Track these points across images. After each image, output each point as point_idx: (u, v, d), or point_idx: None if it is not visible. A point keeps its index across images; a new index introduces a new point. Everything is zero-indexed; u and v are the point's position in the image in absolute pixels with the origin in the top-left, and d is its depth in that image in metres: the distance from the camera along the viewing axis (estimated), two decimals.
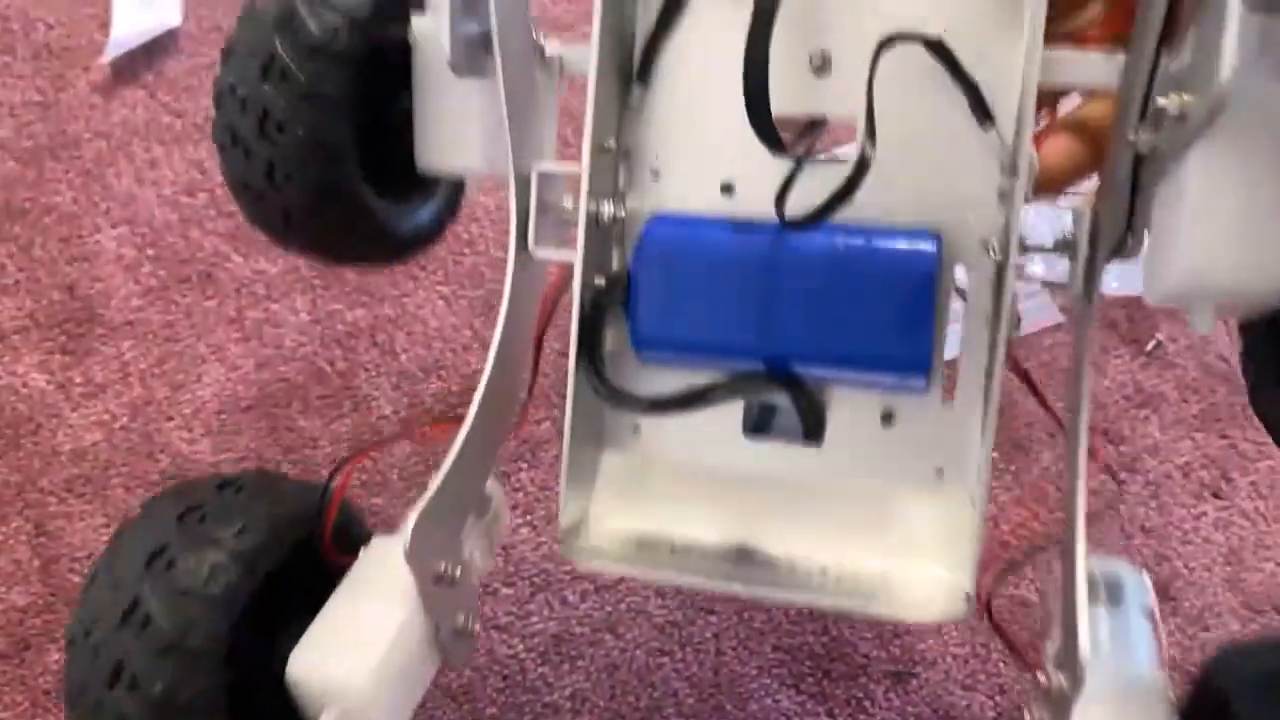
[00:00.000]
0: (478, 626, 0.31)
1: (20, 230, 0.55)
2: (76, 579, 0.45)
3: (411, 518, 0.27)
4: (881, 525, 0.29)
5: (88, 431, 0.49)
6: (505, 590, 0.45)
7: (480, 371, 0.29)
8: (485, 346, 0.51)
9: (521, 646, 0.44)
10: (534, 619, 0.45)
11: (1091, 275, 0.26)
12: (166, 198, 0.56)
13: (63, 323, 0.52)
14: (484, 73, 0.30)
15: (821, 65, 0.28)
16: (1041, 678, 0.24)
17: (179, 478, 0.48)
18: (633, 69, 0.30)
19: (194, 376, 0.50)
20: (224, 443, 0.49)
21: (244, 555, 0.27)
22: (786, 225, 0.27)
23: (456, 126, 0.32)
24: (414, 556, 0.27)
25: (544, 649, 0.44)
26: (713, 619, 0.44)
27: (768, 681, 0.44)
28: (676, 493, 0.30)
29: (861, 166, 0.25)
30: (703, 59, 0.29)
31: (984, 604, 0.28)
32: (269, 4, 0.32)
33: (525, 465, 0.48)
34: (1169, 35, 0.23)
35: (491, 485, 0.32)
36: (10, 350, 0.51)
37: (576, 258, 0.28)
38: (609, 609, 0.45)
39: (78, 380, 0.50)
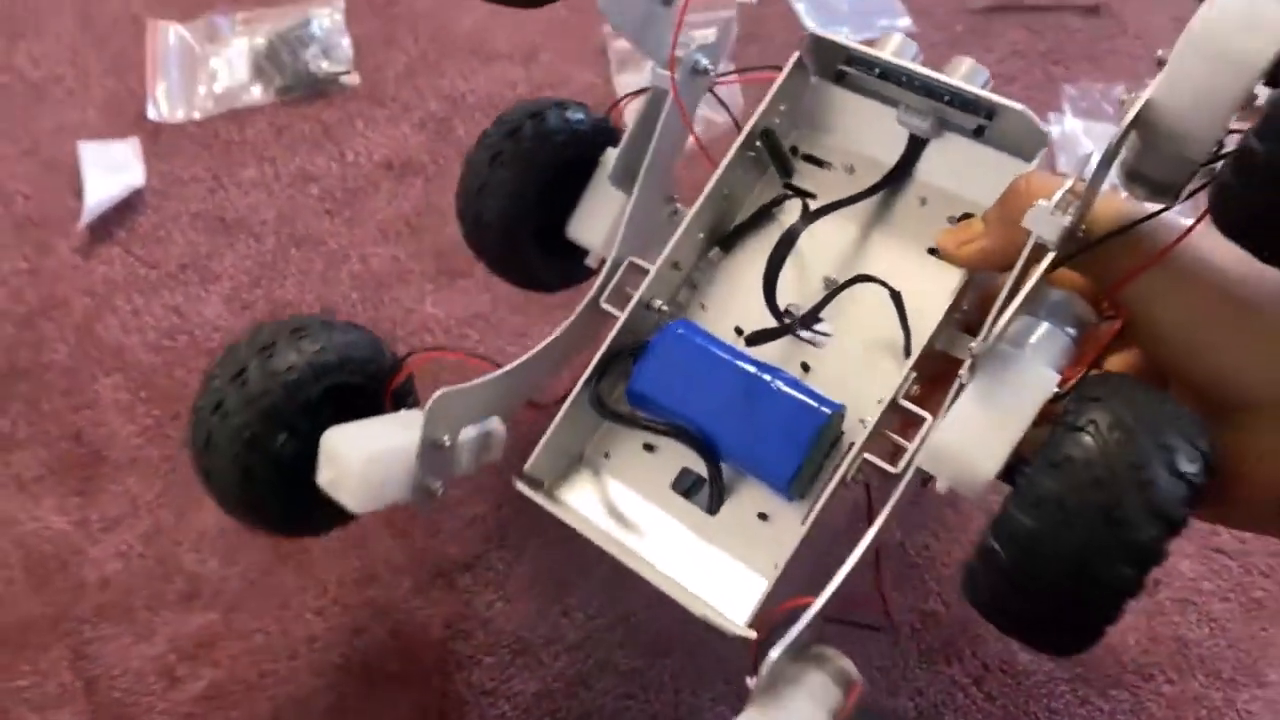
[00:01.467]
0: (441, 493, 0.43)
1: (26, 388, 0.61)
2: (116, 693, 0.52)
3: (437, 395, 0.41)
4: (723, 583, 0.40)
5: (108, 562, 0.56)
6: (488, 659, 0.52)
7: None
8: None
9: (507, 706, 0.51)
10: (515, 681, 0.52)
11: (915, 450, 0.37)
12: (151, 343, 0.63)
13: (73, 467, 0.59)
14: (629, 190, 0.46)
15: (828, 287, 0.42)
16: None
17: (194, 594, 0.54)
18: (720, 237, 0.44)
19: (195, 502, 0.57)
20: (230, 557, 0.56)
21: (315, 365, 0.42)
22: (749, 343, 0.41)
23: (598, 218, 0.49)
24: (430, 415, 0.41)
25: (526, 706, 0.51)
26: (668, 661, 0.52)
27: (722, 709, 0.51)
28: (613, 502, 0.43)
29: (804, 321, 0.40)
30: (761, 259, 0.41)
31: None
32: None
33: (496, 546, 0.56)
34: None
35: (498, 424, 0.45)
36: (31, 498, 0.58)
37: (619, 320, 0.43)
38: (579, 665, 0.52)
39: (94, 518, 0.57)
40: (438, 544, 0.56)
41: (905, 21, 0.78)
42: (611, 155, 0.49)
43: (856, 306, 0.41)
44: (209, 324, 0.64)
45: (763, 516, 0.41)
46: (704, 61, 0.45)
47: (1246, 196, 0.27)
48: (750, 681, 0.34)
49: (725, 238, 0.44)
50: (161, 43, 0.75)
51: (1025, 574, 0.30)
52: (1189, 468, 0.29)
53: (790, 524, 0.40)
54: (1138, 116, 0.30)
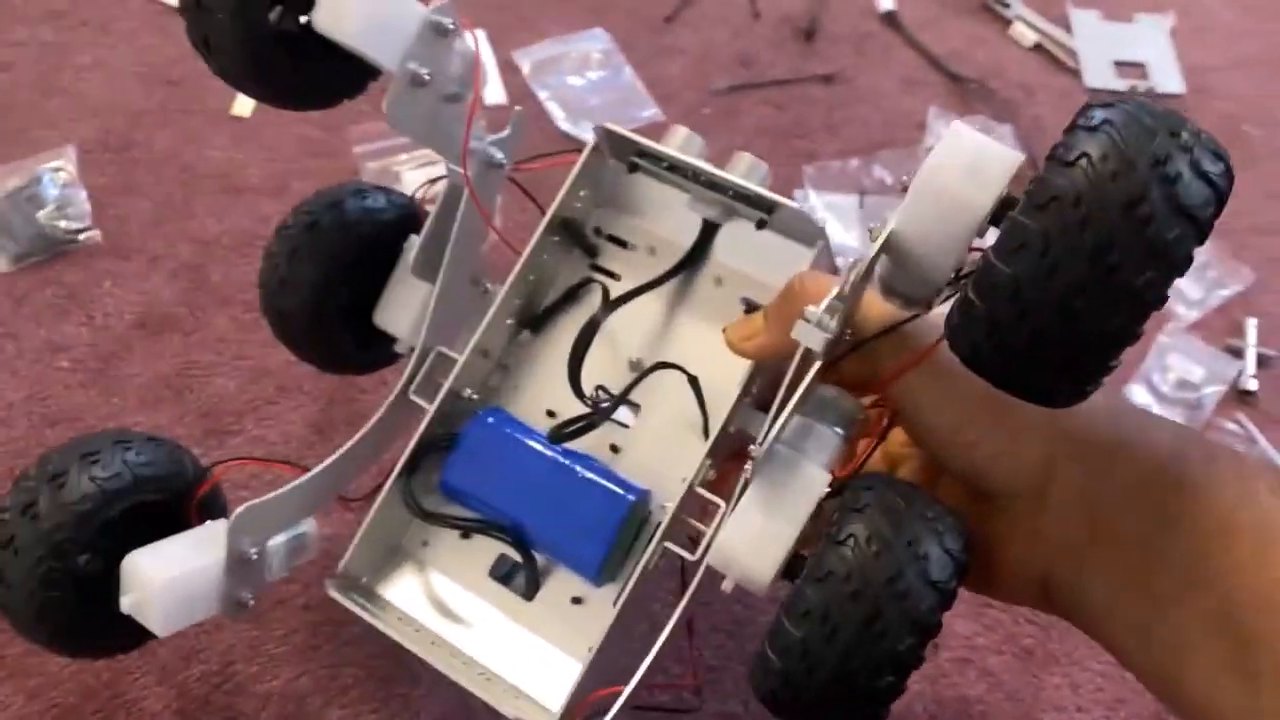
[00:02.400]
0: (252, 604, 0.45)
1: None
2: None
3: (239, 511, 0.43)
4: (538, 670, 0.43)
5: None
6: None
7: None
8: (237, 625, 0.57)
9: None
10: None
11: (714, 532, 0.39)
12: None
13: None
14: (433, 280, 0.46)
15: (636, 368, 0.44)
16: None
17: None
18: (530, 320, 0.46)
19: None
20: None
21: (108, 491, 0.42)
22: (554, 440, 0.42)
23: (403, 306, 0.49)
24: (233, 530, 0.42)
25: None
26: None
27: None
28: (433, 592, 0.45)
29: (604, 411, 0.42)
30: (570, 333, 0.44)
31: None
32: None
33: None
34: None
35: (310, 525, 0.47)
36: None
37: (428, 412, 0.44)
38: None
39: None
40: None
41: (652, 111, 0.80)
42: (414, 243, 0.49)
43: (662, 386, 0.43)
44: None
45: (577, 600, 0.43)
46: (498, 155, 0.45)
47: (989, 312, 0.29)
48: (753, 450, 0.36)
49: (535, 319, 0.46)
50: None
51: (798, 681, 0.32)
52: (941, 576, 0.32)
53: (604, 606, 0.41)
54: (885, 243, 0.33)
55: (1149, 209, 0.27)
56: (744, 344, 0.40)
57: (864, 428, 0.39)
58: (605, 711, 0.37)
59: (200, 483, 0.46)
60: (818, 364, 0.35)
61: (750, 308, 0.43)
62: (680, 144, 0.43)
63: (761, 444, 0.35)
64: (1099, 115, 0.28)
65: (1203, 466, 0.34)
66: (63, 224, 0.71)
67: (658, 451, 0.43)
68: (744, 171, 0.42)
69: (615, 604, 0.40)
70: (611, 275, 0.45)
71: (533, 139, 0.49)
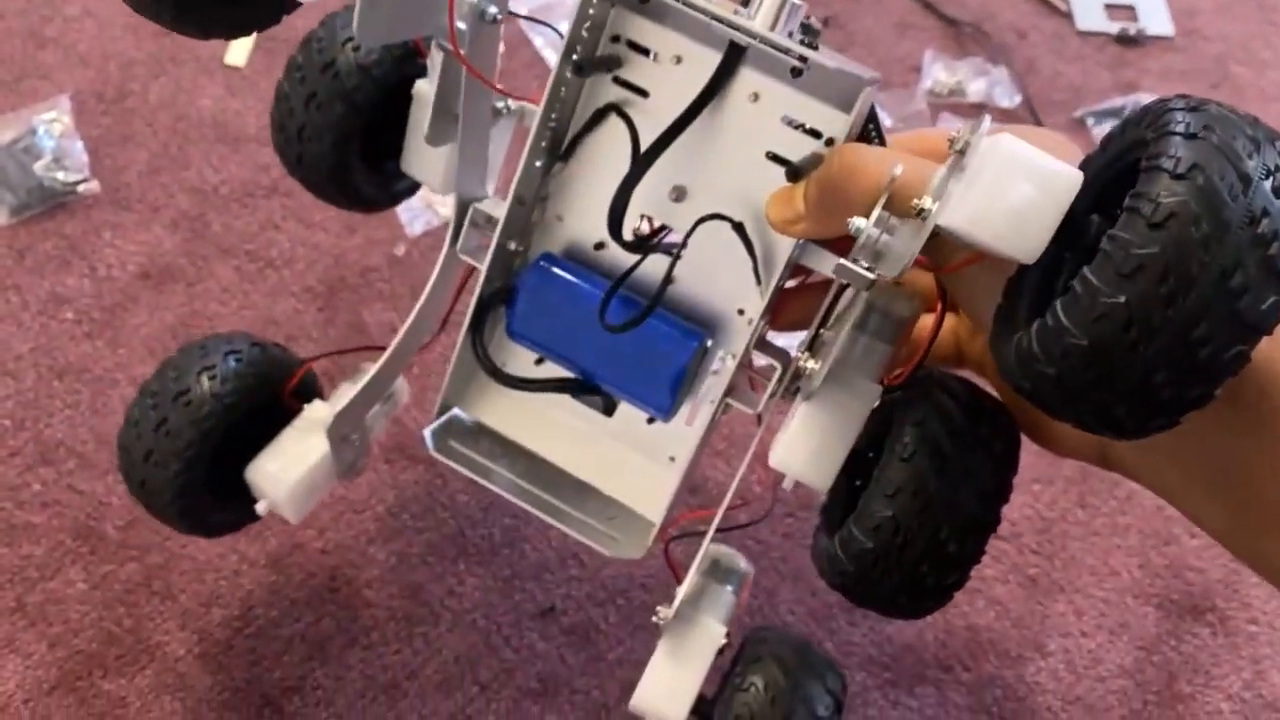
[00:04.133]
0: (365, 463, 0.51)
1: None
2: None
3: (334, 411, 0.47)
4: (627, 476, 0.45)
5: None
6: None
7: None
8: (255, 569, 0.57)
9: None
10: None
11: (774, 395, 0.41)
12: None
13: None
14: (452, 139, 0.44)
15: (677, 196, 0.42)
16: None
17: None
18: (560, 148, 0.42)
19: None
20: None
21: (230, 392, 0.48)
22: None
23: (430, 158, 0.47)
24: (333, 432, 0.47)
25: None
26: None
27: None
28: (518, 412, 0.46)
29: (665, 282, 0.39)
30: (607, 159, 0.42)
31: (664, 541, 0.44)
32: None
33: (319, 663, 0.55)
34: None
35: (401, 384, 0.53)
36: None
37: (483, 267, 0.43)
38: None
39: None
40: (259, 672, 0.55)
41: None
42: (423, 88, 0.46)
43: (707, 211, 0.40)
44: None
45: (650, 420, 0.45)
46: (491, 8, 0.40)
47: (1058, 376, 0.27)
48: (661, 612, 0.42)
49: (565, 150, 0.43)
50: None
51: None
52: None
53: (677, 422, 0.43)
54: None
55: (1243, 280, 0.25)
56: (788, 228, 0.37)
57: (916, 331, 0.40)
58: (693, 531, 0.43)
59: (292, 376, 0.50)
60: (865, 293, 0.35)
61: (791, 171, 0.38)
62: None
63: (815, 359, 0.37)
64: (1184, 154, 0.25)
65: None
66: (60, 175, 0.70)
67: (708, 278, 0.42)
68: (770, 13, 0.36)
69: (692, 423, 0.42)
70: (639, 91, 0.41)
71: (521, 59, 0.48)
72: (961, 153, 0.30)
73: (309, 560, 0.59)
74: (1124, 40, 0.88)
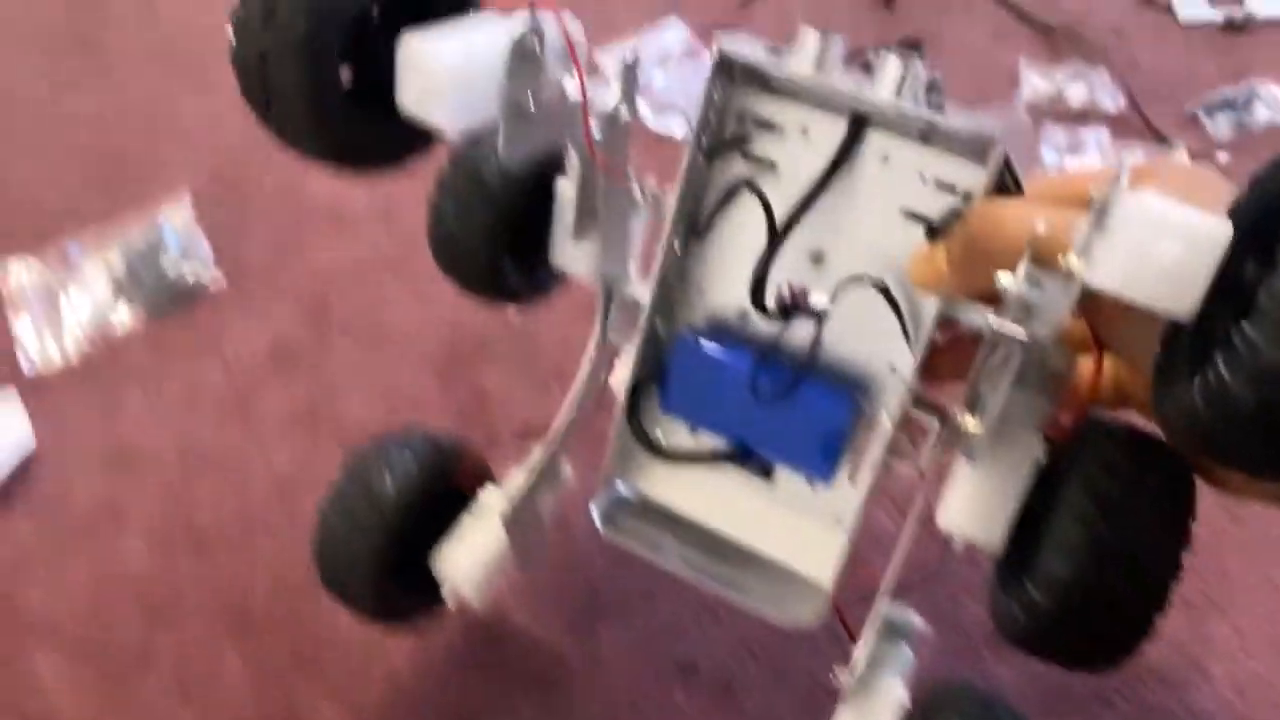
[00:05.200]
0: (542, 556, 0.52)
1: None
2: None
3: (507, 502, 0.49)
4: (794, 540, 0.45)
5: None
6: None
7: None
8: (397, 639, 0.58)
9: None
10: None
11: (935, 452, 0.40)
12: (79, 609, 0.62)
13: None
14: (594, 232, 0.45)
15: (816, 260, 0.42)
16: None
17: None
18: (696, 226, 0.43)
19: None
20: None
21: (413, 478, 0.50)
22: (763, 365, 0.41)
23: (576, 251, 0.47)
24: (507, 520, 0.48)
25: None
26: None
27: None
28: (679, 479, 0.47)
29: (814, 346, 0.39)
30: (743, 231, 0.42)
31: (837, 605, 0.43)
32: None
33: None
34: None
35: (564, 469, 0.52)
36: None
37: (633, 349, 0.44)
38: None
39: None
40: None
41: None
42: (564, 187, 0.46)
43: (850, 268, 0.41)
44: (133, 574, 0.63)
45: (811, 482, 0.45)
46: (624, 115, 0.42)
47: (1235, 399, 0.25)
48: (841, 676, 0.41)
49: (704, 226, 0.43)
50: (15, 282, 0.74)
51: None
52: None
53: (839, 486, 0.43)
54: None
55: None
56: (933, 288, 0.37)
57: (1075, 383, 0.39)
58: (868, 594, 0.42)
59: (465, 463, 0.52)
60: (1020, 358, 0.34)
61: (930, 230, 0.38)
62: (814, 50, 0.37)
63: (977, 415, 0.37)
64: None
65: None
66: (187, 269, 0.73)
67: (855, 338, 0.42)
68: (894, 81, 0.36)
69: (853, 483, 0.43)
70: (768, 164, 0.42)
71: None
72: (1103, 209, 0.30)
73: (449, 626, 0.60)
74: (1231, 27, 0.85)
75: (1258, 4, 0.86)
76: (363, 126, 0.38)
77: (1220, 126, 0.80)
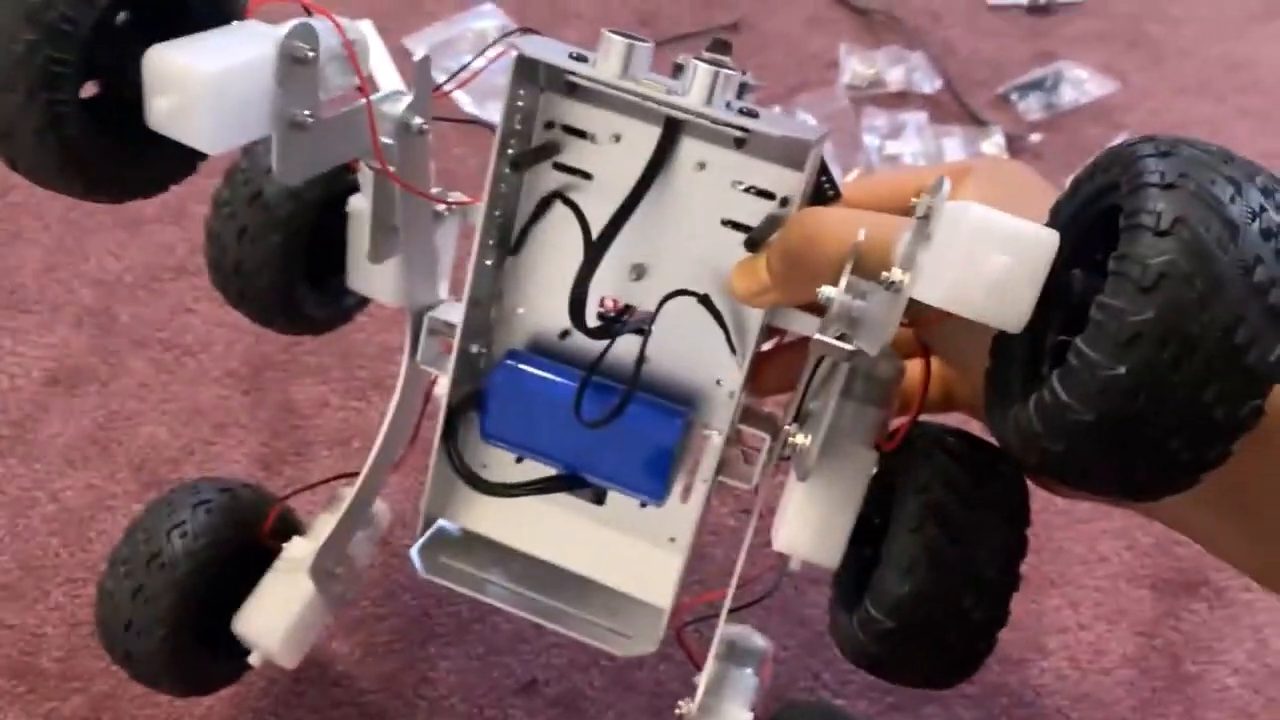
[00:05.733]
0: (356, 591, 0.50)
1: None
2: None
3: (314, 550, 0.45)
4: (628, 564, 0.43)
5: None
6: None
7: None
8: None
9: None
10: None
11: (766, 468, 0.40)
12: None
13: None
14: (394, 253, 0.42)
15: (637, 275, 0.40)
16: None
17: None
18: (509, 242, 0.41)
19: None
20: None
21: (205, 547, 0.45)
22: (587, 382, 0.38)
23: (376, 271, 0.44)
24: (316, 570, 0.45)
25: None
26: None
27: None
28: (507, 513, 0.44)
29: (639, 365, 0.37)
30: (560, 245, 0.40)
31: (677, 628, 0.43)
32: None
33: None
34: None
35: (378, 507, 0.50)
36: None
37: (448, 375, 0.41)
38: None
39: None
40: None
41: None
42: (358, 204, 0.43)
43: (670, 285, 0.39)
44: None
45: (643, 504, 0.43)
46: (416, 120, 0.38)
47: (1065, 452, 0.25)
48: (683, 707, 0.40)
49: (516, 243, 0.41)
50: None
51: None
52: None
53: (672, 504, 0.42)
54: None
55: (1248, 334, 0.23)
56: (755, 300, 0.36)
57: (900, 382, 0.38)
58: (705, 615, 0.42)
59: (267, 516, 0.47)
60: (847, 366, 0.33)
61: (750, 241, 0.36)
62: (621, 57, 0.35)
63: (804, 435, 0.35)
64: (1163, 208, 0.23)
65: None
66: None
67: (680, 353, 0.40)
68: (704, 87, 0.34)
69: (684, 501, 0.41)
70: (582, 174, 0.39)
71: (439, 128, 0.45)
72: (925, 218, 0.28)
73: (269, 666, 0.55)
74: (1035, 10, 0.88)
75: None
76: (113, 151, 0.33)
77: (1031, 107, 0.82)
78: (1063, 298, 0.27)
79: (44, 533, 0.58)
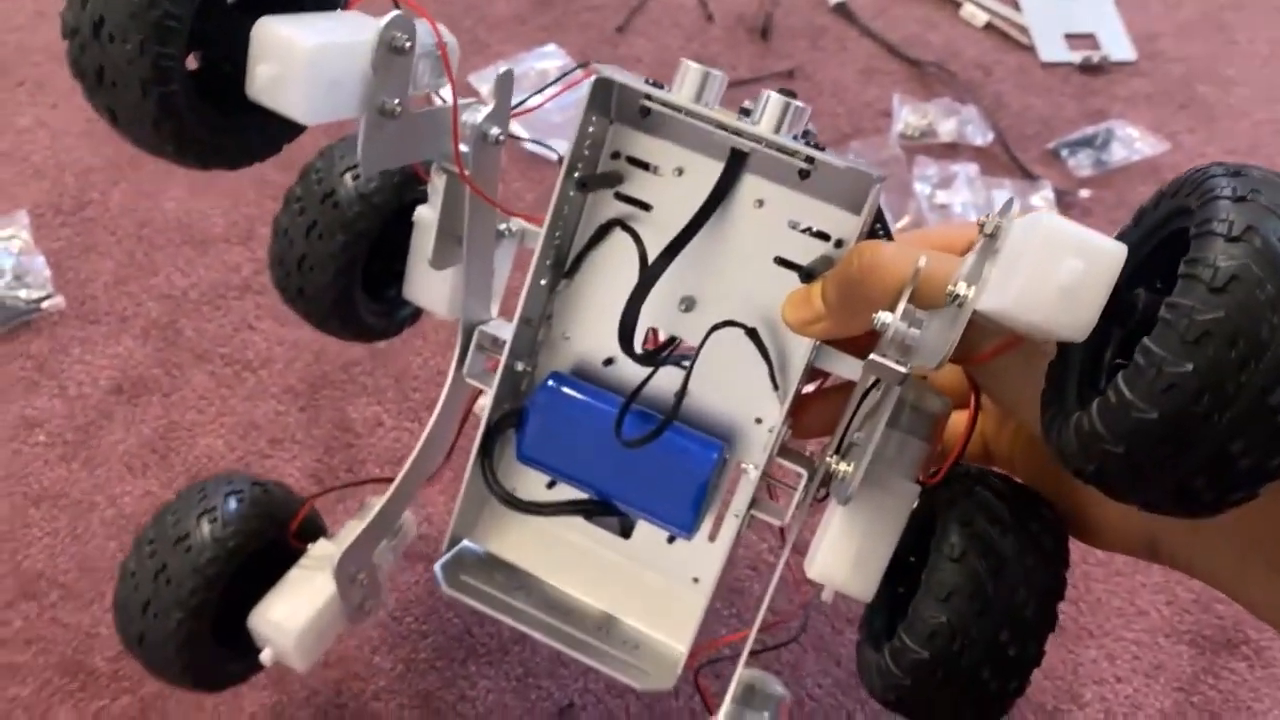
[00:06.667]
0: (379, 608, 0.49)
1: None
2: None
3: (339, 551, 0.45)
4: (650, 601, 0.43)
5: None
6: None
7: None
8: (255, 691, 0.54)
9: None
10: None
11: (802, 504, 0.40)
12: None
13: None
14: (456, 261, 0.43)
15: (687, 307, 0.41)
16: None
17: None
18: (564, 265, 0.42)
19: None
20: None
21: (231, 538, 0.45)
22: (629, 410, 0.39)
23: (433, 283, 0.45)
24: (339, 572, 0.45)
25: None
26: None
27: None
28: (532, 540, 0.45)
29: (680, 395, 0.38)
30: (613, 273, 0.41)
31: (693, 669, 0.43)
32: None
33: None
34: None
35: (405, 518, 0.50)
36: None
37: (491, 391, 0.42)
38: None
39: None
40: None
41: None
42: (425, 214, 0.44)
43: (717, 320, 0.39)
44: None
45: (671, 540, 0.43)
46: (494, 130, 0.40)
47: (1137, 416, 0.25)
48: None
49: (570, 267, 0.42)
50: None
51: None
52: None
53: (698, 543, 0.42)
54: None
55: None
56: (808, 328, 0.36)
57: (951, 427, 0.38)
58: (723, 657, 0.41)
59: (295, 515, 0.48)
60: (898, 389, 0.33)
61: (804, 274, 0.37)
62: (695, 85, 0.36)
63: (846, 464, 0.35)
64: (1235, 217, 0.24)
65: None
66: (22, 293, 0.68)
67: (722, 388, 0.41)
68: (775, 117, 0.35)
69: (712, 540, 0.41)
70: (641, 205, 0.41)
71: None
72: (992, 236, 0.29)
73: (311, 676, 0.56)
74: (1088, 69, 0.89)
75: (1112, 46, 0.90)
76: (209, 117, 0.35)
77: (1081, 163, 0.83)
78: (1126, 317, 0.27)
79: (102, 536, 0.60)
